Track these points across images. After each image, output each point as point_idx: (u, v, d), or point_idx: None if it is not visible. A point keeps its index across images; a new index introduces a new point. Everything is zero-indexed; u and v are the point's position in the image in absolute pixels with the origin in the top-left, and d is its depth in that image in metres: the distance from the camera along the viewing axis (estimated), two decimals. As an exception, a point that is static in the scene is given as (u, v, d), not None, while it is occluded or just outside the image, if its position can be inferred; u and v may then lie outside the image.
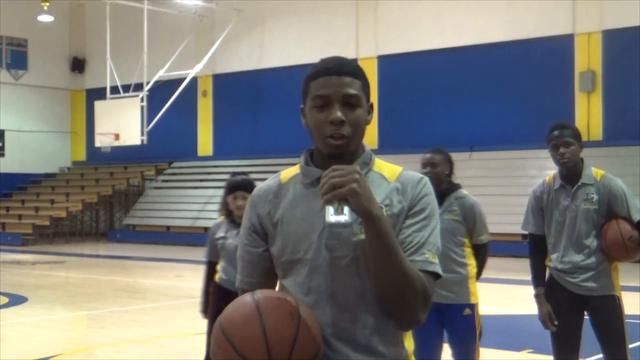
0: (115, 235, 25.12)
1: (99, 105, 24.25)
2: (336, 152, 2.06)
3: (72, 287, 13.40)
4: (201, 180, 25.05)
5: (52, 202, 25.72)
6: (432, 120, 21.13)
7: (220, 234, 5.59)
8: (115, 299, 11.73)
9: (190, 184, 25.15)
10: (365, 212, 1.92)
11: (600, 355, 4.65)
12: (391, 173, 2.14)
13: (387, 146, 20.21)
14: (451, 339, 4.86)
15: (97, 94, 25.50)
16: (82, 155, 29.18)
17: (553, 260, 4.58)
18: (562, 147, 4.42)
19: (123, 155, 25.49)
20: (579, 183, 4.48)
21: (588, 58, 19.17)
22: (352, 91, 2.07)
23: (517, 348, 7.71)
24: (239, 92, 24.91)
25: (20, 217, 25.08)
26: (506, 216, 15.72)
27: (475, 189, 5.13)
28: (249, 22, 24.34)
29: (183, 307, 11.01)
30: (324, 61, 2.15)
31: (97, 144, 23.99)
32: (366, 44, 22.30)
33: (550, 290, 4.58)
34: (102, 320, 9.93)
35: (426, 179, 2.15)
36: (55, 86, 28.47)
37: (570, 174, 4.50)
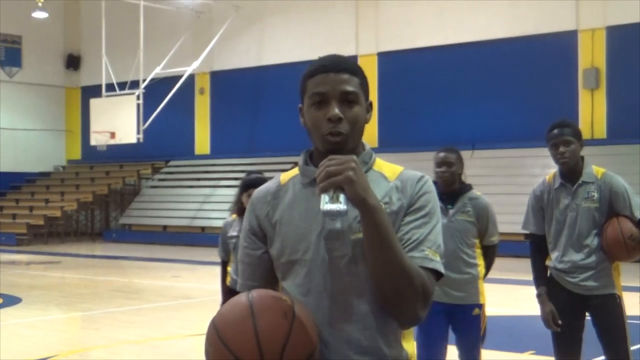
0: (111, 235, 25.12)
1: (94, 103, 24.25)
2: (334, 148, 2.06)
3: (67, 288, 13.39)
4: (198, 179, 25.04)
5: (47, 201, 25.71)
6: (433, 119, 21.13)
7: (232, 232, 5.57)
8: (111, 300, 11.73)
9: (187, 183, 25.15)
10: (361, 201, 1.93)
11: (603, 357, 4.65)
12: (391, 172, 2.15)
13: (387, 144, 20.21)
14: (460, 339, 4.92)
15: (93, 91, 25.49)
16: (77, 154, 29.17)
17: (553, 259, 4.58)
18: (562, 145, 4.42)
19: (119, 154, 25.48)
20: (580, 181, 4.48)
21: (592, 55, 19.17)
22: (349, 88, 2.08)
23: (519, 349, 7.71)
24: (237, 89, 24.90)
25: (14, 216, 25.08)
26: (508, 215, 15.71)
27: (476, 188, 5.12)
28: (248, 18, 24.33)
29: (180, 308, 11.01)
30: (321, 59, 2.15)
31: (93, 142, 24.00)
32: (366, 41, 22.30)
33: (550, 290, 4.58)
34: (98, 321, 9.93)
35: (427, 177, 2.15)
36: (50, 84, 28.47)
37: (571, 172, 4.49)
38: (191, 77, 24.77)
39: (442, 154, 4.88)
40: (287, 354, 1.91)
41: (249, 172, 5.57)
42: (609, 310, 4.46)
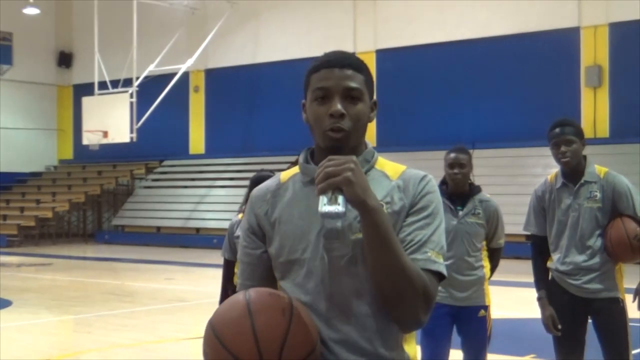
0: (104, 237, 25.10)
1: (86, 101, 24.22)
2: (335, 145, 2.06)
3: (59, 290, 13.37)
4: (193, 180, 25.03)
5: (38, 202, 25.69)
6: (432, 117, 21.14)
7: (239, 232, 5.55)
8: (103, 303, 11.71)
9: (181, 183, 25.14)
10: (360, 203, 1.93)
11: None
12: (394, 171, 2.15)
13: (386, 143, 20.21)
14: (466, 342, 4.98)
15: (85, 89, 25.46)
16: (69, 154, 29.15)
17: (554, 261, 4.57)
18: (564, 145, 4.41)
19: (112, 154, 25.46)
20: (582, 181, 4.47)
21: (594, 52, 19.19)
22: (353, 84, 2.09)
23: (520, 353, 7.71)
24: (232, 87, 24.89)
25: (5, 217, 25.05)
26: (509, 216, 15.66)
27: (477, 188, 5.14)
28: (243, 14, 24.32)
29: (173, 311, 11.00)
30: (326, 54, 2.16)
31: (85, 141, 23.97)
32: (364, 37, 22.31)
33: (551, 293, 4.57)
34: (89, 325, 9.92)
35: (430, 177, 2.15)
36: (41, 82, 28.44)
37: (573, 172, 4.48)
38: (185, 75, 24.75)
39: (453, 155, 4.91)
40: (286, 352, 1.91)
41: (261, 170, 5.57)
42: (611, 315, 4.45)
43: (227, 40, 24.71)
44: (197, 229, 23.07)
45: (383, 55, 21.75)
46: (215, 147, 25.39)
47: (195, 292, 13.11)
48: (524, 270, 12.30)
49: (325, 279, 2.06)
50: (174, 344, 8.55)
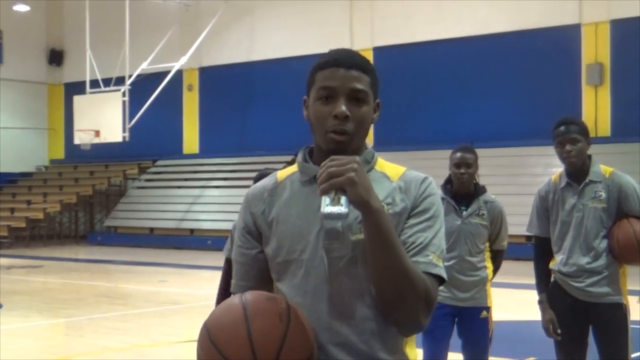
0: (96, 238, 25.07)
1: (78, 100, 24.18)
2: (337, 148, 2.06)
3: (50, 293, 13.36)
4: (187, 180, 25.01)
5: (29, 202, 25.65)
6: (431, 116, 21.15)
7: None
8: (95, 306, 11.71)
9: (175, 184, 25.12)
10: (363, 204, 1.93)
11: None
12: (394, 173, 2.16)
13: (383, 143, 20.20)
14: (467, 343, 5.01)
15: (76, 88, 25.42)
16: (60, 153, 29.11)
17: (557, 262, 4.54)
18: (569, 144, 4.39)
19: (104, 153, 25.44)
20: (586, 180, 4.45)
21: (595, 49, 19.20)
22: (359, 86, 2.08)
23: (520, 355, 7.71)
24: (226, 85, 24.88)
25: (-6, 218, 25.01)
26: (510, 217, 15.65)
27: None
28: (238, 11, 24.31)
29: (167, 313, 10.99)
30: (333, 52, 2.15)
31: (77, 141, 23.93)
32: (361, 35, 22.31)
33: (553, 296, 4.55)
34: (81, 328, 9.91)
35: (431, 179, 2.16)
36: (32, 80, 28.39)
37: (577, 171, 4.46)
38: (179, 73, 24.73)
39: (459, 154, 4.93)
40: (282, 358, 1.90)
41: (265, 169, 5.57)
42: (613, 321, 4.42)
43: (221, 38, 24.69)
44: (191, 230, 23.05)
45: (380, 52, 21.74)
46: (210, 146, 25.37)
47: (189, 294, 13.10)
48: (525, 271, 12.30)
49: (324, 280, 2.06)
50: (167, 347, 8.53)
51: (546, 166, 18.42)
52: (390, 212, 2.05)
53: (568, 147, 4.39)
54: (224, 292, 5.44)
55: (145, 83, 23.38)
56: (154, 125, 24.92)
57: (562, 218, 4.51)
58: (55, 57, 28.72)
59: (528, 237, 16.85)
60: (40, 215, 24.62)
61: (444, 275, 2.06)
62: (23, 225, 24.18)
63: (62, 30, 28.75)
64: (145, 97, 23.34)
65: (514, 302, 11.43)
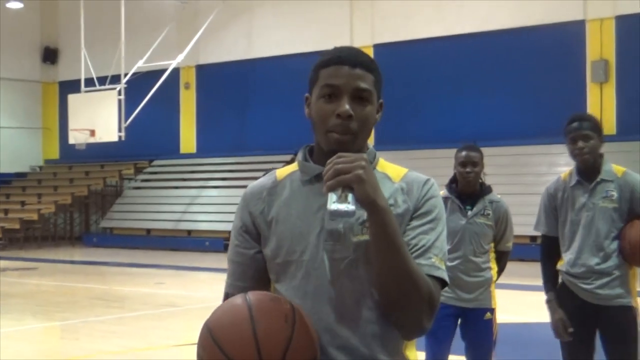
0: (91, 240, 25.07)
1: (73, 99, 24.19)
2: (339, 148, 2.05)
3: (44, 296, 13.35)
4: (184, 180, 25.02)
5: (23, 203, 25.64)
6: (432, 114, 21.16)
7: None
8: (90, 308, 11.70)
9: (172, 184, 25.12)
10: (370, 202, 1.93)
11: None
12: (396, 173, 2.16)
13: (384, 142, 20.19)
14: (470, 345, 5.03)
15: (71, 86, 25.43)
16: (55, 153, 29.11)
17: (565, 263, 4.51)
18: (581, 140, 4.35)
19: (99, 153, 25.44)
20: (598, 179, 4.41)
21: (600, 46, 19.20)
22: (364, 85, 2.08)
23: (526, 358, 7.70)
24: (224, 84, 24.88)
25: (-12, 220, 25.02)
26: (513, 217, 15.70)
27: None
28: (235, 8, 24.31)
29: (164, 316, 10.99)
30: (337, 49, 2.14)
31: (71, 140, 23.93)
32: (361, 32, 22.31)
33: (560, 298, 4.52)
34: (76, 331, 9.90)
35: (432, 180, 2.16)
36: (26, 78, 28.39)
37: (589, 169, 4.42)
38: (176, 71, 24.73)
39: (465, 153, 4.94)
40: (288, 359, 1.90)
41: (272, 169, 5.58)
42: (623, 324, 4.39)
43: (219, 35, 24.70)
44: (189, 231, 23.05)
45: (381, 50, 21.73)
46: (207, 146, 25.37)
47: (187, 297, 13.09)
48: (530, 273, 12.30)
49: (324, 282, 2.06)
50: (164, 351, 8.53)
51: (550, 165, 18.42)
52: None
53: (580, 143, 4.35)
54: None
55: (141, 81, 23.38)
56: (150, 124, 24.93)
57: (571, 217, 4.47)
58: (50, 55, 28.72)
59: (533, 238, 16.84)
60: (35, 217, 24.62)
61: (446, 278, 2.06)
62: (17, 226, 24.18)
63: (56, 28, 28.75)
64: (141, 96, 23.33)
65: (518, 304, 11.42)
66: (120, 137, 22.90)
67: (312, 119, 2.12)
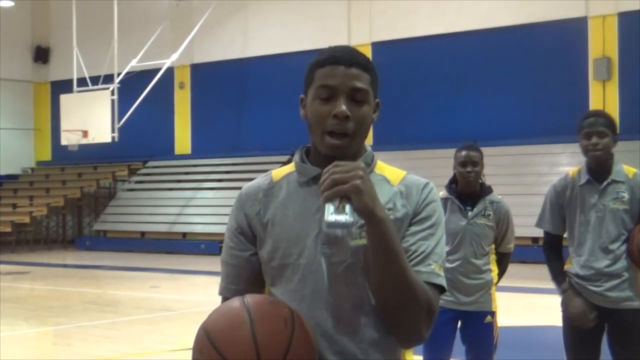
0: (85, 243, 25.06)
1: (65, 99, 24.18)
2: (336, 150, 2.06)
3: (37, 300, 13.34)
4: (179, 181, 25.01)
5: (14, 206, 25.63)
6: (432, 113, 21.16)
7: None
8: (83, 313, 11.69)
9: (166, 186, 25.12)
10: (368, 213, 1.93)
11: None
12: (394, 176, 2.16)
13: (383, 142, 20.22)
14: (470, 349, 5.03)
15: (63, 86, 25.42)
16: (47, 155, 29.09)
17: (573, 264, 4.51)
18: (596, 136, 4.34)
19: (92, 154, 25.43)
20: (609, 180, 4.41)
21: (603, 43, 19.22)
22: (360, 85, 2.08)
23: (527, 363, 7.71)
24: (220, 83, 24.88)
25: (-21, 223, 25.00)
26: (514, 218, 15.71)
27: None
28: (231, 6, 24.31)
29: (158, 321, 10.98)
30: (332, 49, 2.14)
31: (64, 141, 23.93)
32: (359, 29, 22.31)
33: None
34: (69, 337, 9.89)
35: (432, 184, 2.16)
36: (17, 78, 28.37)
37: (600, 168, 4.41)
38: (170, 71, 24.73)
39: (465, 152, 4.94)
40: None
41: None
42: (633, 328, 4.39)
43: (214, 33, 24.69)
44: (184, 234, 23.04)
45: (379, 48, 21.75)
46: (203, 146, 25.37)
47: (182, 301, 13.09)
48: (531, 275, 12.32)
49: (321, 286, 2.06)
50: (159, 356, 8.52)
51: (552, 165, 18.45)
52: (391, 218, 2.05)
53: (594, 139, 4.34)
54: None
55: (134, 81, 23.38)
56: (144, 125, 24.92)
57: (580, 217, 4.46)
58: (41, 55, 28.70)
59: (535, 239, 16.86)
60: (27, 220, 24.60)
61: (445, 284, 2.07)
62: (8, 229, 24.16)
63: (48, 27, 28.73)
64: (135, 96, 23.34)
65: (520, 306, 11.40)
66: (113, 138, 22.89)
67: (308, 120, 2.12)
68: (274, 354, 1.89)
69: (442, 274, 2.06)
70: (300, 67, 2.24)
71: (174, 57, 23.76)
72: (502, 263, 5.10)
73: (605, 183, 4.41)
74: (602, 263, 4.40)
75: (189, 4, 25.09)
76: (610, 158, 4.43)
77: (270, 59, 23.69)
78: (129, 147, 24.83)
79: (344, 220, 1.91)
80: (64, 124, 23.77)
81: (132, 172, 26.48)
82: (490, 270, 4.97)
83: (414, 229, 2.08)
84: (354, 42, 21.71)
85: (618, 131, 4.50)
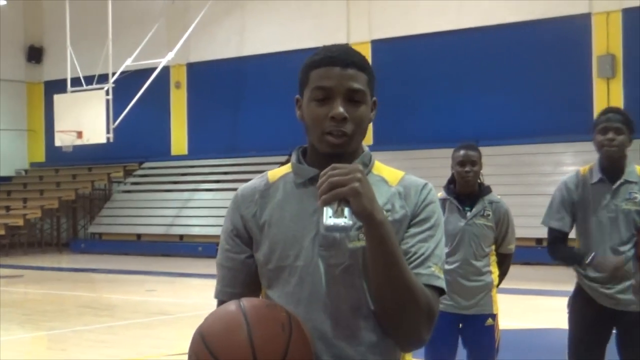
0: (79, 245, 25.04)
1: (59, 99, 24.17)
2: (334, 151, 2.06)
3: (31, 304, 13.35)
4: (175, 183, 25.01)
5: (8, 208, 25.61)
6: (432, 112, 21.16)
7: None
8: (78, 317, 11.70)
9: (163, 187, 25.10)
10: (367, 216, 1.93)
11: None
12: (392, 177, 2.16)
13: (382, 142, 20.24)
14: (472, 353, 5.03)
15: (57, 86, 25.41)
16: (40, 156, 29.08)
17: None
18: (612, 132, 4.32)
19: (87, 156, 25.42)
20: (622, 179, 4.40)
21: (607, 40, 19.23)
22: (357, 85, 2.08)
23: (530, 366, 7.71)
24: (216, 82, 24.87)
25: (-29, 226, 24.98)
26: (515, 218, 15.68)
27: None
28: (227, 4, 24.31)
29: (155, 325, 10.98)
30: (327, 49, 2.14)
31: (58, 142, 23.91)
32: (358, 27, 22.31)
33: (575, 302, 4.53)
34: (64, 341, 9.90)
35: (430, 185, 2.17)
36: (10, 78, 28.35)
37: (613, 167, 4.40)
38: (166, 70, 24.72)
39: (463, 152, 4.93)
40: None
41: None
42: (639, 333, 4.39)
43: (210, 32, 24.69)
44: (181, 236, 23.03)
45: (379, 46, 21.76)
46: (199, 147, 25.36)
47: (179, 304, 13.09)
48: (535, 276, 12.32)
49: (319, 289, 2.06)
50: (156, 360, 8.53)
51: (555, 165, 18.45)
52: (389, 219, 2.05)
53: (611, 134, 4.32)
54: None
55: (129, 81, 23.37)
56: (139, 125, 24.91)
57: (591, 217, 4.44)
58: (34, 54, 28.68)
59: (538, 240, 16.84)
60: (20, 222, 24.59)
61: (445, 287, 2.08)
62: (2, 232, 24.14)
63: (41, 26, 28.72)
64: (130, 96, 23.33)
65: (523, 308, 11.42)
66: (108, 138, 22.87)
67: (305, 121, 2.12)
68: (271, 358, 1.90)
69: (442, 276, 2.07)
70: (298, 66, 2.24)
71: (170, 56, 23.75)
72: (504, 264, 5.10)
73: (618, 183, 4.40)
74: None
75: (185, 2, 25.09)
76: (624, 157, 4.41)
77: (268, 58, 23.69)
78: (124, 148, 24.82)
79: (342, 223, 1.91)
80: (58, 125, 23.75)
81: (128, 173, 26.47)
82: (490, 272, 4.96)
83: (413, 230, 2.08)
84: (353, 40, 21.72)
85: (635, 131, 4.48)
